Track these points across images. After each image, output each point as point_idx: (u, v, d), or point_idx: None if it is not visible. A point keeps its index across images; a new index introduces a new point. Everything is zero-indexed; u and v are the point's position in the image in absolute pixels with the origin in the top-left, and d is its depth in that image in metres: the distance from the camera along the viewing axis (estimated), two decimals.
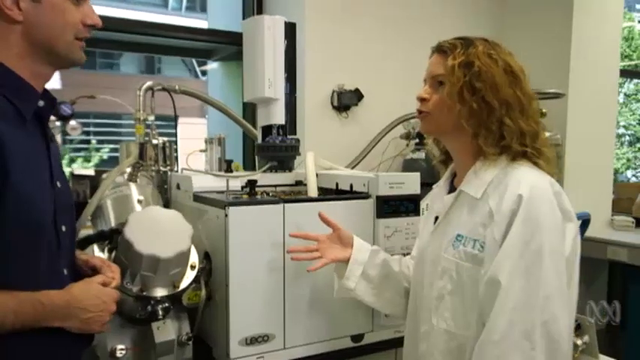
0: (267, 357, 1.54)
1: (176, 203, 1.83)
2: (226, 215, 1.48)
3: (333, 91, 2.92)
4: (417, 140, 2.99)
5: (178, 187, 1.85)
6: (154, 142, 1.90)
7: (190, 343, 1.56)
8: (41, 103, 1.20)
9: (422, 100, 1.32)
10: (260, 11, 3.13)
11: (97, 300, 1.20)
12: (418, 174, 1.73)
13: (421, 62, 1.31)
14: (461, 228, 1.28)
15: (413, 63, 3.12)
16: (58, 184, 1.24)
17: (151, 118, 1.95)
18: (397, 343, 1.74)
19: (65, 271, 1.25)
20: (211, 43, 3.32)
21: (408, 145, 3.03)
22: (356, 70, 2.97)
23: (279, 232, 1.54)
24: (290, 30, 1.92)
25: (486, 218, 1.22)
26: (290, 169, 1.97)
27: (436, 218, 1.39)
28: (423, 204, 1.72)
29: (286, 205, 1.55)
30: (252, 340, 1.52)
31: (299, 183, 1.93)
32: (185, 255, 1.46)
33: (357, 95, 2.94)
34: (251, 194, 1.64)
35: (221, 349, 1.55)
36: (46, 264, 1.18)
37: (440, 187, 1.45)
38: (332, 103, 2.93)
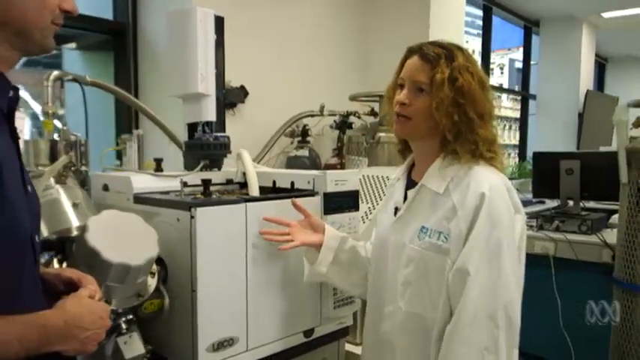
0: None
1: (103, 206, 1.65)
2: (192, 217, 1.40)
3: None
4: (300, 138, 3.07)
5: (106, 188, 1.68)
6: (72, 138, 1.69)
7: (149, 355, 1.45)
8: (10, 93, 1.04)
9: (402, 104, 1.36)
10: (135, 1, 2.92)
11: (93, 316, 1.06)
12: (358, 171, 1.81)
13: (302, 59, 1.31)
14: (425, 221, 1.37)
15: (296, 60, 3.22)
16: (29, 188, 1.08)
17: (62, 112, 1.74)
18: (342, 333, 1.82)
19: (40, 287, 1.09)
20: (70, 29, 3.01)
21: (292, 142, 3.10)
22: (241, 67, 2.93)
23: (241, 232, 1.51)
24: (219, 24, 1.86)
25: (450, 212, 1.32)
26: (220, 167, 1.91)
27: (396, 209, 1.47)
28: None
29: (248, 204, 1.52)
30: (219, 346, 1.46)
31: (229, 182, 1.88)
32: (152, 261, 1.36)
33: (243, 92, 2.92)
34: (206, 194, 1.57)
35: (184, 358, 1.46)
36: (29, 280, 1.02)
37: (398, 178, 1.53)
38: None
